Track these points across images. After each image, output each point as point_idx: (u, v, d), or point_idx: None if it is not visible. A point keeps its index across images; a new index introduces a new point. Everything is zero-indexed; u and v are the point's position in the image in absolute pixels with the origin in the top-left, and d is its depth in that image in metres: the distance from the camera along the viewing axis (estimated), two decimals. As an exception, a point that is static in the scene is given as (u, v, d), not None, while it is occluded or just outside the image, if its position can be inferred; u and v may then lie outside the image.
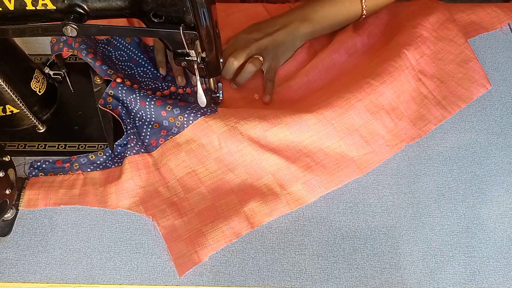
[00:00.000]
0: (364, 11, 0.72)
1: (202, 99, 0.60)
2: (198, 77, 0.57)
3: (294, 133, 0.61)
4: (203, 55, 0.54)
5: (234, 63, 0.69)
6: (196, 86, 0.58)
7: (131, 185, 0.61)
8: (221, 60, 0.59)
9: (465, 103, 0.66)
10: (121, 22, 0.71)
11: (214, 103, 0.67)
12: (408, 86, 0.65)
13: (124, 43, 0.74)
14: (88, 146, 0.66)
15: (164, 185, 0.62)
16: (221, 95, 0.67)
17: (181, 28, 0.48)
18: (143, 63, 0.73)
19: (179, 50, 0.54)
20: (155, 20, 0.50)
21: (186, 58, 0.54)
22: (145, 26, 0.52)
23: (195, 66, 0.55)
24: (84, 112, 0.70)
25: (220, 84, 0.66)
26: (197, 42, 0.52)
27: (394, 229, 0.59)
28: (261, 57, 0.69)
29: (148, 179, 0.62)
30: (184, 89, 0.71)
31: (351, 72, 0.70)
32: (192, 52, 0.53)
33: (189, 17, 0.49)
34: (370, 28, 0.75)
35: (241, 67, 0.70)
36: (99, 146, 0.66)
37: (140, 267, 0.57)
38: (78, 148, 0.66)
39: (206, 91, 0.66)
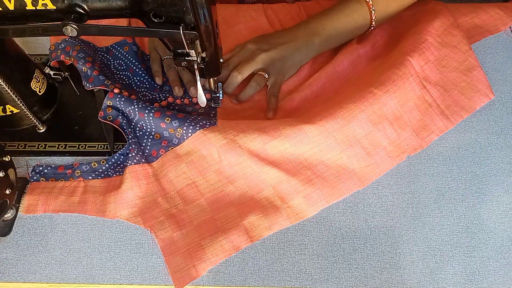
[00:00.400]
0: (373, 23, 0.70)
1: (202, 99, 0.60)
2: (198, 77, 0.57)
3: (294, 146, 0.60)
4: (203, 55, 0.54)
5: (238, 77, 0.68)
6: (196, 96, 0.58)
7: (130, 195, 0.60)
8: (221, 60, 0.59)
9: (468, 113, 0.66)
10: (121, 22, 0.71)
11: (214, 103, 0.67)
12: (413, 94, 0.64)
13: (122, 51, 0.73)
14: (88, 146, 0.66)
15: (164, 196, 0.61)
16: (221, 95, 0.66)
17: (181, 28, 0.48)
18: (140, 72, 0.72)
19: (179, 50, 0.54)
20: (155, 20, 0.50)
21: (186, 58, 0.54)
22: (145, 26, 0.52)
23: (195, 66, 0.55)
24: (84, 112, 0.70)
25: (220, 84, 0.66)
26: (197, 42, 0.52)
27: (394, 229, 0.59)
28: (266, 74, 0.68)
29: (148, 189, 0.61)
30: (182, 100, 0.70)
31: (355, 83, 0.69)
32: (192, 52, 0.53)
33: (189, 17, 0.49)
34: (375, 39, 0.74)
35: (245, 81, 0.69)
36: (99, 146, 0.66)
37: (140, 267, 0.57)
38: (78, 148, 0.66)
39: (209, 101, 0.66)
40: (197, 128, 0.62)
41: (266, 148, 0.60)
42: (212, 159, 0.61)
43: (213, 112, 0.69)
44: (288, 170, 0.61)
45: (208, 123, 0.62)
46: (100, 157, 0.66)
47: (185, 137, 0.62)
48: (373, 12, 0.69)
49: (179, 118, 0.63)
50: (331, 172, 0.61)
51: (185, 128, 0.62)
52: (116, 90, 0.65)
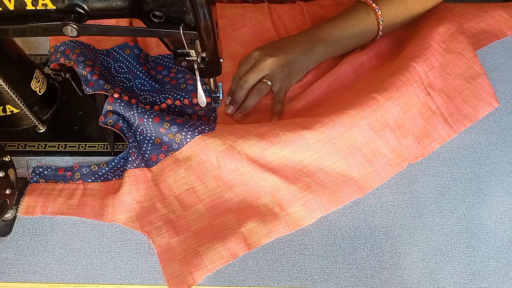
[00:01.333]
0: (380, 32, 0.69)
1: (202, 99, 0.59)
2: (198, 77, 0.57)
3: (293, 152, 0.60)
4: (203, 55, 0.54)
5: (244, 86, 0.68)
6: (197, 91, 0.58)
7: (129, 199, 0.60)
8: (221, 60, 0.59)
9: (471, 122, 0.65)
10: (122, 22, 0.71)
11: (214, 103, 0.67)
12: (417, 100, 0.63)
13: (124, 54, 0.73)
14: (88, 146, 0.66)
15: (162, 201, 0.61)
16: (221, 95, 0.66)
17: (181, 28, 0.49)
18: (140, 75, 0.71)
19: (179, 50, 0.54)
20: (155, 20, 0.50)
21: (186, 58, 0.54)
22: (145, 26, 0.52)
23: (195, 66, 0.55)
24: (84, 112, 0.70)
25: (220, 84, 0.66)
26: (197, 42, 0.52)
27: (394, 229, 0.59)
28: (269, 81, 0.68)
29: (146, 194, 0.61)
30: (182, 101, 0.69)
31: (357, 89, 0.69)
32: (192, 52, 0.53)
33: (189, 17, 0.49)
34: (379, 47, 0.73)
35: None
36: (99, 146, 0.66)
37: (140, 267, 0.57)
38: (78, 148, 0.66)
39: (209, 102, 0.66)
40: (196, 133, 0.61)
41: (265, 154, 0.60)
42: (211, 164, 0.61)
43: (213, 115, 0.69)
44: (287, 177, 0.60)
45: (207, 128, 0.62)
46: (100, 158, 0.66)
47: (184, 142, 0.62)
48: (381, 22, 0.68)
49: (178, 123, 0.62)
50: (330, 179, 0.61)
51: (183, 133, 0.62)
52: (116, 95, 0.65)
